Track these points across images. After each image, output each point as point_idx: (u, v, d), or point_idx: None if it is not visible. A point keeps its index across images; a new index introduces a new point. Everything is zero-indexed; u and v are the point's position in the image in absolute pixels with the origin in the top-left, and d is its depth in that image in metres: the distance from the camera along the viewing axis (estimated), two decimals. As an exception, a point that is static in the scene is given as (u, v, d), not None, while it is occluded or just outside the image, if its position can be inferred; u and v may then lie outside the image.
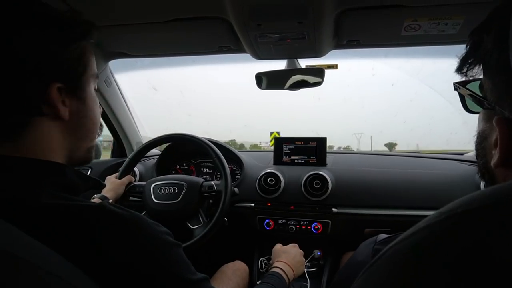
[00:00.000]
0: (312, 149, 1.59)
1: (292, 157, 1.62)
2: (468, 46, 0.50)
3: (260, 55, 1.25)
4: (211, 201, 1.37)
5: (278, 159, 1.64)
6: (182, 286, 0.56)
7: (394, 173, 1.49)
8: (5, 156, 0.51)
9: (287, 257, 1.13)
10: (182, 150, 1.76)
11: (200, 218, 1.30)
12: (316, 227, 1.45)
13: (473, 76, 0.50)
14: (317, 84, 1.32)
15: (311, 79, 1.32)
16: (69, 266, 0.43)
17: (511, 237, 0.25)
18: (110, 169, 1.65)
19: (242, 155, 1.67)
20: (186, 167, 1.78)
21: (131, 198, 1.39)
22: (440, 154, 1.77)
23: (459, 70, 0.52)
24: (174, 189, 1.30)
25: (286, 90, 1.38)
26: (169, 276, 0.55)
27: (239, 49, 1.25)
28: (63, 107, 0.56)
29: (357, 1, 0.96)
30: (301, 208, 1.47)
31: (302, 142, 1.61)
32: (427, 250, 0.29)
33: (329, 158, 1.61)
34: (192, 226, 1.28)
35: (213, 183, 1.32)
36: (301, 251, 1.20)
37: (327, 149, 1.62)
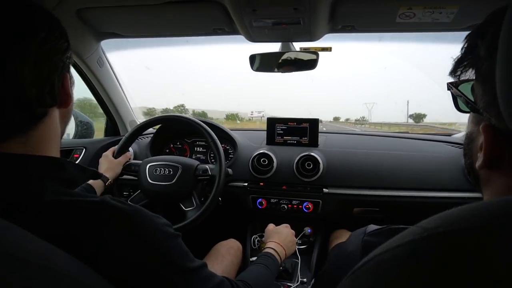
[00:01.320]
0: (304, 130, 1.62)
1: (284, 137, 1.64)
2: (463, 49, 0.51)
3: (254, 38, 1.25)
4: (205, 182, 1.39)
5: (271, 139, 1.66)
6: (183, 274, 0.60)
7: (383, 155, 1.53)
8: (13, 154, 0.53)
9: (279, 238, 1.17)
10: (176, 129, 1.77)
11: (193, 201, 1.33)
12: (307, 206, 1.50)
13: (465, 78, 0.52)
14: (311, 67, 1.33)
15: (305, 62, 1.32)
16: (77, 264, 0.45)
17: (488, 262, 0.26)
18: (105, 148, 1.66)
19: (235, 135, 1.69)
20: (180, 146, 1.79)
21: (126, 176, 1.41)
22: (428, 135, 1.81)
23: (453, 72, 0.53)
24: (169, 171, 1.32)
25: (280, 73, 1.39)
26: (171, 266, 0.58)
27: (233, 31, 1.24)
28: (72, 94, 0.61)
29: (353, -12, 0.95)
30: (293, 188, 1.52)
31: (295, 123, 1.63)
32: (408, 267, 0.30)
33: (321, 138, 1.64)
34: (185, 208, 1.32)
35: (207, 166, 1.34)
36: (292, 231, 1.25)
37: (320, 128, 1.65)
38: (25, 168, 0.53)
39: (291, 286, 1.24)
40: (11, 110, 0.51)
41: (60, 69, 0.57)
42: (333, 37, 1.33)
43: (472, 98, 0.51)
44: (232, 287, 0.75)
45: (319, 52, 1.32)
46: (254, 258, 1.41)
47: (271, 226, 1.28)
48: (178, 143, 1.80)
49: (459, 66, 0.51)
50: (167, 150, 1.80)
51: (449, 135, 1.81)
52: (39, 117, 0.55)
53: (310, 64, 1.32)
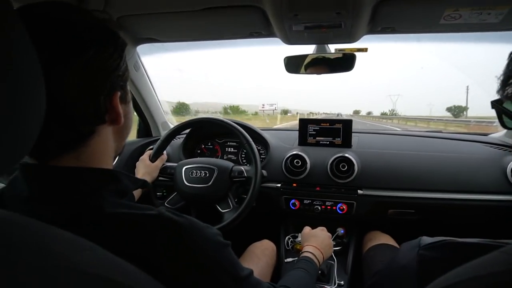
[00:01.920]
0: (337, 130, 1.61)
1: (317, 138, 1.63)
2: (510, 67, 0.50)
3: (291, 41, 1.24)
4: (240, 184, 1.40)
5: (303, 140, 1.65)
6: (235, 282, 0.61)
7: (418, 156, 1.51)
8: (70, 167, 0.54)
9: (316, 241, 1.17)
10: (207, 130, 1.79)
11: (230, 202, 1.34)
12: (341, 207, 1.49)
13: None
14: (348, 68, 1.31)
15: (341, 63, 1.31)
16: (150, 280, 0.47)
17: None
18: (138, 149, 1.69)
19: (266, 135, 1.69)
20: (211, 146, 1.81)
21: (161, 178, 1.44)
22: (463, 134, 1.76)
23: (501, 91, 0.52)
24: (205, 173, 1.34)
25: (315, 75, 1.38)
26: (225, 275, 0.59)
27: (269, 35, 1.24)
28: (122, 112, 0.60)
29: (398, -9, 0.94)
30: (326, 189, 1.51)
31: (328, 124, 1.62)
32: None
33: (353, 139, 1.62)
34: (222, 209, 1.33)
35: (243, 168, 1.35)
36: (329, 234, 1.24)
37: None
38: (82, 180, 0.54)
39: (328, 288, 1.25)
40: (56, 129, 0.52)
41: (108, 89, 0.56)
42: (369, 37, 1.31)
43: None
44: None
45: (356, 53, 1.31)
46: (289, 259, 1.43)
47: (307, 229, 1.29)
48: (209, 144, 1.81)
49: (506, 84, 0.50)
50: (199, 151, 1.81)
51: (485, 134, 1.77)
52: (86, 136, 0.56)
53: (347, 65, 1.31)
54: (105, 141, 0.60)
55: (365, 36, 1.27)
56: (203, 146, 1.82)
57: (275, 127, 1.95)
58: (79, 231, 0.42)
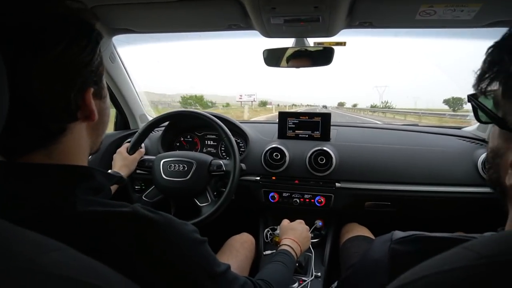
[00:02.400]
0: (316, 124, 1.62)
1: (296, 131, 1.64)
2: (486, 62, 0.51)
3: (270, 34, 1.23)
4: (218, 177, 1.40)
5: (282, 133, 1.66)
6: (213, 279, 0.61)
7: (395, 149, 1.54)
8: (39, 164, 0.53)
9: (294, 234, 1.18)
10: (186, 123, 1.77)
11: (208, 196, 1.34)
12: (319, 200, 1.51)
13: (488, 89, 0.51)
14: (327, 62, 1.32)
15: (320, 57, 1.31)
16: (123, 279, 0.46)
17: None
18: (116, 142, 1.66)
19: (246, 128, 1.69)
20: (191, 139, 1.79)
21: (138, 171, 1.42)
22: (439, 128, 1.81)
23: (476, 85, 0.53)
24: (184, 167, 1.32)
25: (294, 68, 1.38)
26: (200, 272, 0.59)
27: (248, 27, 1.23)
28: (95, 109, 0.58)
29: (375, -14, 0.94)
30: (305, 182, 1.53)
31: (307, 117, 1.63)
32: None
33: (332, 132, 1.64)
34: (200, 203, 1.33)
35: (221, 162, 1.34)
36: (307, 227, 1.26)
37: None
38: (53, 177, 0.53)
39: (306, 280, 1.27)
40: (23, 127, 0.50)
41: (80, 84, 0.54)
42: (347, 31, 1.31)
43: (495, 111, 0.51)
44: (254, 286, 0.77)
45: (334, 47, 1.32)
46: (267, 252, 1.45)
47: (285, 222, 1.30)
48: (188, 137, 1.80)
49: (482, 79, 0.51)
50: (178, 144, 1.80)
51: (459, 128, 1.82)
52: (56, 133, 0.54)
53: (325, 59, 1.31)
54: (78, 138, 0.58)
55: (343, 30, 1.27)
56: (182, 139, 1.80)
57: (253, 119, 1.94)
58: (49, 230, 0.41)
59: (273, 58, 1.37)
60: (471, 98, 0.55)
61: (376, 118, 22.83)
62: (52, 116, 0.52)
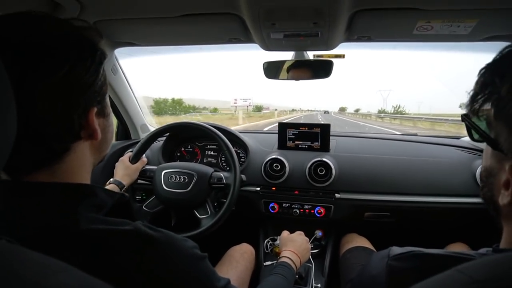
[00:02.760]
0: (316, 135, 1.63)
1: (296, 142, 1.66)
2: (478, 84, 0.52)
3: (269, 47, 1.25)
4: (219, 190, 1.41)
5: (282, 144, 1.67)
6: None
7: (394, 160, 1.55)
8: (42, 183, 0.53)
9: (294, 246, 1.19)
10: (187, 133, 1.78)
11: (208, 208, 1.35)
12: (319, 211, 1.52)
13: (481, 108, 0.53)
14: (326, 74, 1.34)
15: (320, 69, 1.33)
16: None
17: None
18: (117, 152, 1.67)
19: (246, 139, 1.70)
20: (191, 149, 1.81)
21: (140, 181, 1.43)
22: (438, 138, 1.82)
23: (469, 106, 0.54)
24: (184, 178, 1.34)
25: (294, 80, 1.39)
26: (201, 287, 0.60)
27: (248, 41, 1.24)
28: (98, 128, 0.58)
29: (372, 3, 0.96)
30: (305, 193, 1.54)
31: (306, 128, 1.64)
32: None
33: (331, 142, 1.65)
34: (200, 215, 1.34)
35: (222, 175, 1.36)
36: (306, 238, 1.27)
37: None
38: (56, 195, 0.54)
39: (305, 291, 1.27)
40: (27, 148, 0.50)
41: (83, 105, 0.54)
42: (346, 45, 1.33)
43: (487, 131, 0.52)
44: None
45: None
46: (268, 263, 1.45)
47: (285, 233, 1.30)
48: (189, 147, 1.81)
49: (474, 100, 0.53)
50: (178, 154, 1.81)
51: (458, 137, 1.83)
52: (60, 153, 0.54)
53: (325, 72, 1.33)
54: (82, 156, 0.58)
55: (342, 44, 1.29)
56: (183, 149, 1.81)
57: (253, 130, 1.95)
58: (53, 249, 0.42)
59: (272, 70, 1.39)
60: (465, 118, 0.56)
61: (385, 126, 21.82)
62: (55, 137, 0.52)
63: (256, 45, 1.29)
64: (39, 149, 0.52)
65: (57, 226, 0.51)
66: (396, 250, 0.65)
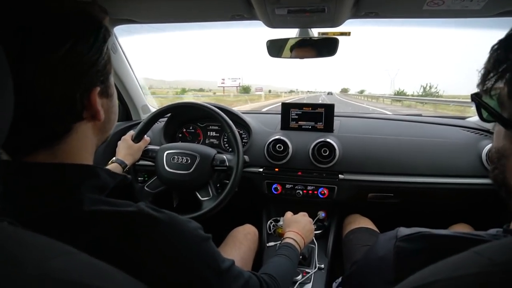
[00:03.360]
0: (319, 115, 1.60)
1: (299, 122, 1.63)
2: (490, 61, 0.50)
3: (274, 24, 1.21)
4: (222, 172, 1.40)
5: (285, 124, 1.65)
6: (218, 275, 0.61)
7: (399, 141, 1.53)
8: (45, 163, 0.52)
9: (298, 227, 1.18)
10: (189, 114, 1.76)
11: (210, 190, 1.33)
12: (323, 192, 1.51)
13: (493, 87, 0.50)
14: (332, 53, 1.30)
15: (325, 48, 1.29)
16: (131, 280, 0.45)
17: None
18: (118, 133, 1.65)
19: (248, 119, 1.67)
20: (193, 130, 1.78)
21: (142, 161, 1.41)
22: (443, 118, 1.80)
23: (480, 85, 0.52)
24: (187, 160, 1.32)
25: (298, 59, 1.36)
26: (206, 269, 0.59)
27: (252, 17, 1.21)
28: (101, 109, 0.57)
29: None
30: (308, 174, 1.52)
31: (310, 108, 1.61)
32: None
33: (335, 122, 1.63)
34: (202, 197, 1.33)
35: (225, 157, 1.34)
36: (310, 219, 1.26)
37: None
38: (59, 176, 0.52)
39: (309, 272, 1.27)
40: (26, 127, 0.49)
41: (86, 85, 0.52)
42: (352, 21, 1.29)
43: (499, 111, 0.50)
44: (259, 282, 0.77)
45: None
46: (271, 244, 1.45)
47: (289, 214, 1.30)
48: (191, 128, 1.79)
49: (486, 78, 0.50)
50: (180, 135, 1.79)
51: (463, 118, 1.81)
52: (61, 134, 0.53)
53: (330, 50, 1.29)
54: (83, 137, 0.57)
55: (348, 20, 1.25)
56: (184, 130, 1.79)
57: (255, 110, 1.92)
58: (57, 231, 0.41)
59: (276, 48, 1.35)
60: (475, 97, 0.54)
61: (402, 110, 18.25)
62: (56, 117, 0.51)
63: (259, 23, 1.25)
64: (39, 130, 0.50)
65: (59, 207, 0.50)
66: (403, 231, 0.64)
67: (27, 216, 0.47)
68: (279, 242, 1.42)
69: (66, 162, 0.54)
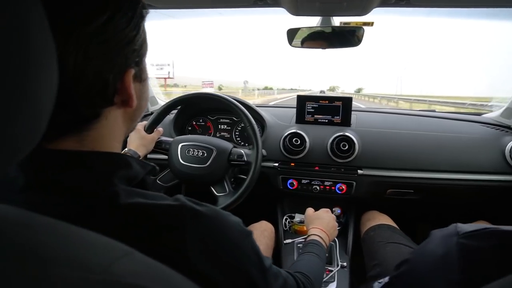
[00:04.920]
0: (336, 108, 1.55)
1: (315, 116, 1.58)
2: None
3: (299, 11, 1.15)
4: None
5: (300, 118, 1.59)
6: (262, 273, 0.57)
7: (417, 136, 1.49)
8: (71, 151, 0.46)
9: (322, 224, 1.14)
10: (199, 106, 1.69)
11: (226, 186, 1.28)
12: (341, 187, 1.46)
13: None
14: (356, 43, 1.25)
15: (350, 38, 1.24)
16: (185, 281, 0.41)
17: None
18: None
19: (262, 113, 1.62)
20: (203, 123, 1.72)
21: (154, 152, 1.34)
22: (459, 114, 1.76)
23: None
24: (203, 153, 1.26)
25: (321, 49, 1.31)
26: (252, 264, 0.55)
27: (275, 4, 1.14)
28: (134, 94, 0.51)
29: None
30: (326, 169, 1.47)
31: (327, 101, 1.56)
32: None
33: (352, 116, 1.58)
34: (217, 193, 1.27)
35: (243, 152, 1.28)
36: (333, 215, 1.22)
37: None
38: (89, 165, 0.47)
39: (332, 270, 1.23)
40: (54, 110, 0.44)
41: (120, 65, 0.47)
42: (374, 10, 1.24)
43: None
44: (296, 281, 0.73)
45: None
46: (288, 241, 1.40)
47: (310, 210, 1.25)
48: (200, 120, 1.72)
49: None
50: (190, 128, 1.72)
51: (479, 114, 1.78)
52: (89, 119, 0.47)
53: (354, 40, 1.24)
54: (113, 124, 0.51)
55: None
56: (194, 122, 1.72)
57: (267, 104, 1.87)
58: (95, 227, 0.35)
59: (297, 38, 1.29)
60: None
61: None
62: (86, 100, 0.45)
63: (278, 10, 1.20)
64: (67, 113, 0.44)
65: (93, 201, 0.44)
66: (464, 227, 0.60)
67: (59, 212, 0.42)
68: (297, 239, 1.38)
69: (95, 150, 0.48)
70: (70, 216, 0.40)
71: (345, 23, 1.28)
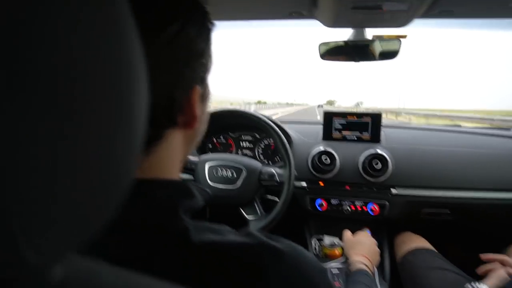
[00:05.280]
0: (365, 125, 1.49)
1: (343, 132, 1.51)
2: None
3: (335, 23, 1.10)
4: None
5: (327, 135, 1.52)
6: None
7: (452, 152, 1.42)
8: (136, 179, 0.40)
9: (363, 249, 1.08)
10: (220, 123, 1.63)
11: (257, 208, 1.21)
12: (373, 208, 1.39)
13: None
14: (392, 56, 1.20)
15: (386, 52, 1.19)
16: None
17: None
18: None
19: (287, 129, 1.55)
20: (224, 141, 1.65)
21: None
22: (487, 129, 1.70)
23: None
24: (232, 173, 1.19)
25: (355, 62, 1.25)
26: None
27: (310, 16, 1.09)
28: (198, 115, 0.45)
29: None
30: (357, 188, 1.40)
31: (355, 117, 1.50)
32: None
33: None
34: (248, 215, 1.20)
35: (274, 171, 1.21)
36: (374, 240, 1.14)
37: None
38: (153, 195, 0.40)
39: (374, 299, 1.14)
40: None
41: (187, 80, 0.42)
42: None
43: None
44: None
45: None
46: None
47: (348, 234, 1.18)
48: (221, 138, 1.65)
49: None
50: (210, 146, 1.65)
51: (508, 129, 1.72)
52: (150, 141, 0.41)
53: (391, 53, 1.19)
54: (174, 148, 0.45)
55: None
56: (215, 140, 1.66)
57: (291, 120, 1.80)
58: (165, 273, 0.30)
59: (330, 51, 1.24)
60: None
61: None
62: (152, 119, 0.38)
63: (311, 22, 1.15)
64: None
65: (164, 237, 0.37)
66: None
67: (119, 254, 0.35)
68: (330, 263, 1.29)
69: (158, 178, 0.42)
70: (138, 261, 0.33)
71: (377, 36, 1.23)
